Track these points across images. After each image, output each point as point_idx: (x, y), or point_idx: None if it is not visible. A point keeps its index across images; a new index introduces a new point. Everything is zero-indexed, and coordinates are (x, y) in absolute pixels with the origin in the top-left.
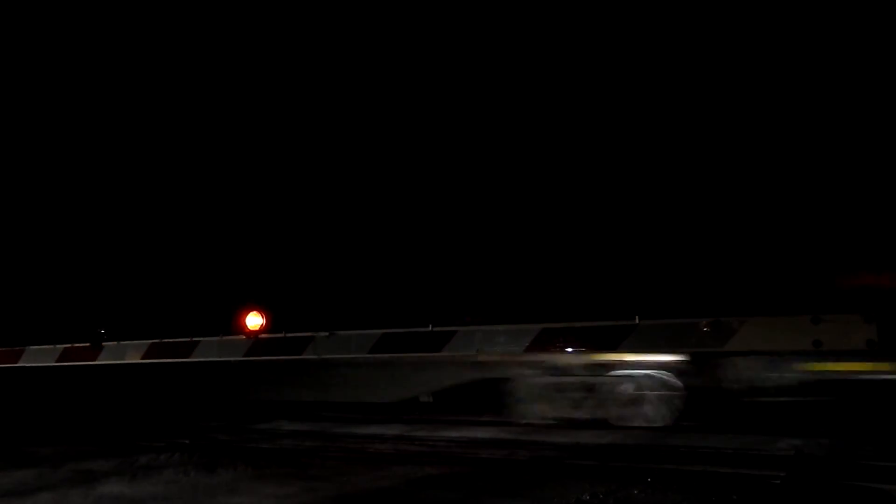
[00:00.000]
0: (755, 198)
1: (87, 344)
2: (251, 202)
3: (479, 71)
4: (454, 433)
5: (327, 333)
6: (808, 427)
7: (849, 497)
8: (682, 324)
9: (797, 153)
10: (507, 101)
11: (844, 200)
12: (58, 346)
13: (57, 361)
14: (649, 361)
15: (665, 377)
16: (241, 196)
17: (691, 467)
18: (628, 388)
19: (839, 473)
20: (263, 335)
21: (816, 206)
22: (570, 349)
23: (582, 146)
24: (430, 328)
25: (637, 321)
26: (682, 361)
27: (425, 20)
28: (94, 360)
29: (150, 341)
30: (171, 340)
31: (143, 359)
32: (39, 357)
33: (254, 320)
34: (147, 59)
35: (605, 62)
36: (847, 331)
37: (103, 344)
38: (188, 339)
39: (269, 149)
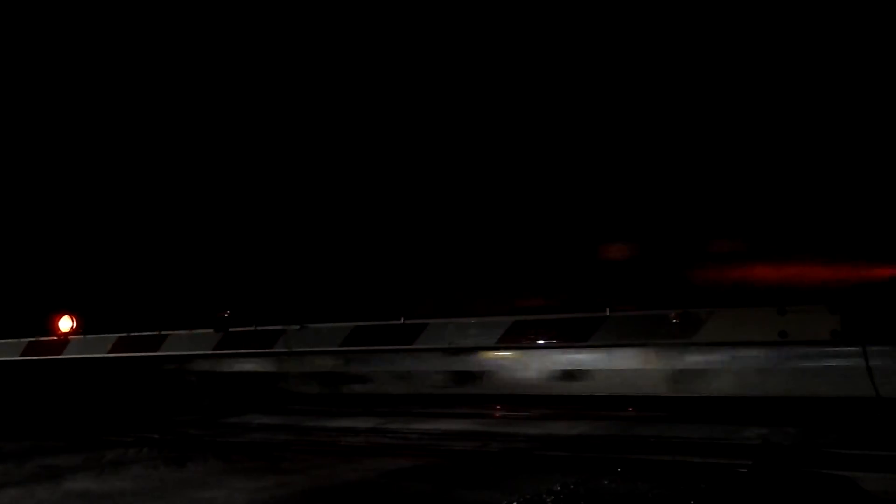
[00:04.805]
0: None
1: (54, 338)
2: (221, 195)
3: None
4: (427, 425)
5: (298, 326)
6: (775, 416)
7: (813, 484)
8: (652, 315)
9: (764, 145)
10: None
11: (812, 193)
12: (22, 340)
13: (21, 356)
14: None
15: None
16: (210, 188)
17: (660, 457)
18: None
19: (804, 461)
20: (233, 328)
21: (783, 197)
22: (541, 341)
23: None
24: (401, 321)
25: (608, 313)
26: None
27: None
28: (61, 353)
29: (118, 335)
30: (139, 334)
31: (110, 352)
32: (3, 351)
33: (222, 313)
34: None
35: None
36: (812, 321)
37: (69, 338)
38: (157, 333)
39: (239, 140)
